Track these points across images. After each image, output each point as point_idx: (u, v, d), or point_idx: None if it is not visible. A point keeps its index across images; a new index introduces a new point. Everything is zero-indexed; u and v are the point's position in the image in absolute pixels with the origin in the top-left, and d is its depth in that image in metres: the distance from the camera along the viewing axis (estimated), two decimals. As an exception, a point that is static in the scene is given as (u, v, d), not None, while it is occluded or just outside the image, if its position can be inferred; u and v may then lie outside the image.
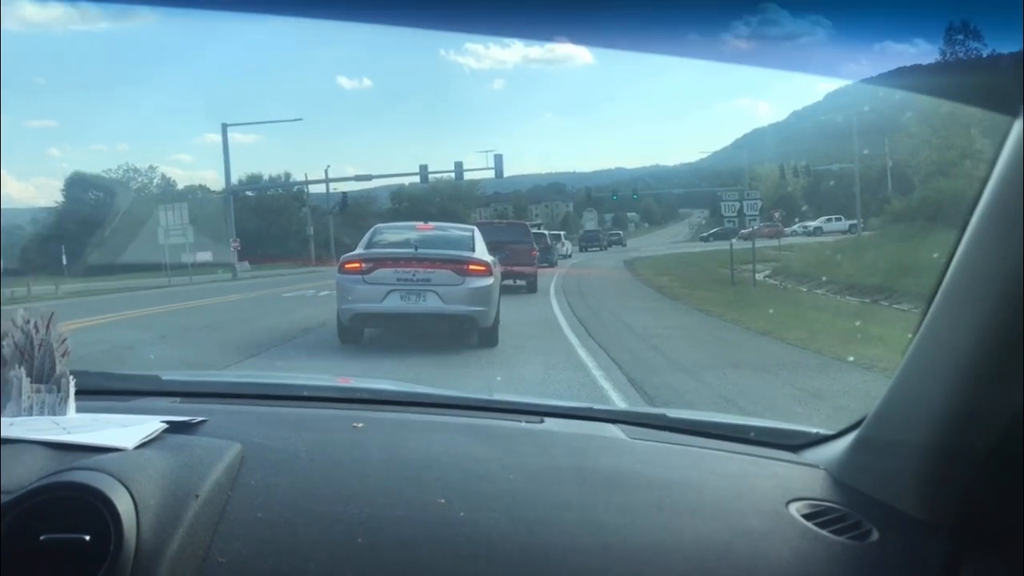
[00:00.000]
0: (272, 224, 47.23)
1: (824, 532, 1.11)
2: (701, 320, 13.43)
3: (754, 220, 22.52)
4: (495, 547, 1.04)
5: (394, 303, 9.37)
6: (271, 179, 59.10)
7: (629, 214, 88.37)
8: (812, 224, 48.04)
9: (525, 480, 1.20)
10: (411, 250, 9.75)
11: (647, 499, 1.16)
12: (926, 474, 1.08)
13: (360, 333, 9.96)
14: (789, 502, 1.18)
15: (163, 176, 62.73)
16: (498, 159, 41.70)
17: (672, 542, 1.07)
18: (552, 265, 30.06)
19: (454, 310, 9.39)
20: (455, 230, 11.52)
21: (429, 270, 9.43)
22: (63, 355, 1.30)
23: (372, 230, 10.96)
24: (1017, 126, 0.89)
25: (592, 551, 1.05)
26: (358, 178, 49.84)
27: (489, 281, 9.64)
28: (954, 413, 1.01)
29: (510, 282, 17.46)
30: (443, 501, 1.12)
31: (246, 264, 37.16)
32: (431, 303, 9.38)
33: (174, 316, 15.20)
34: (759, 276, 22.11)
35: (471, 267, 9.62)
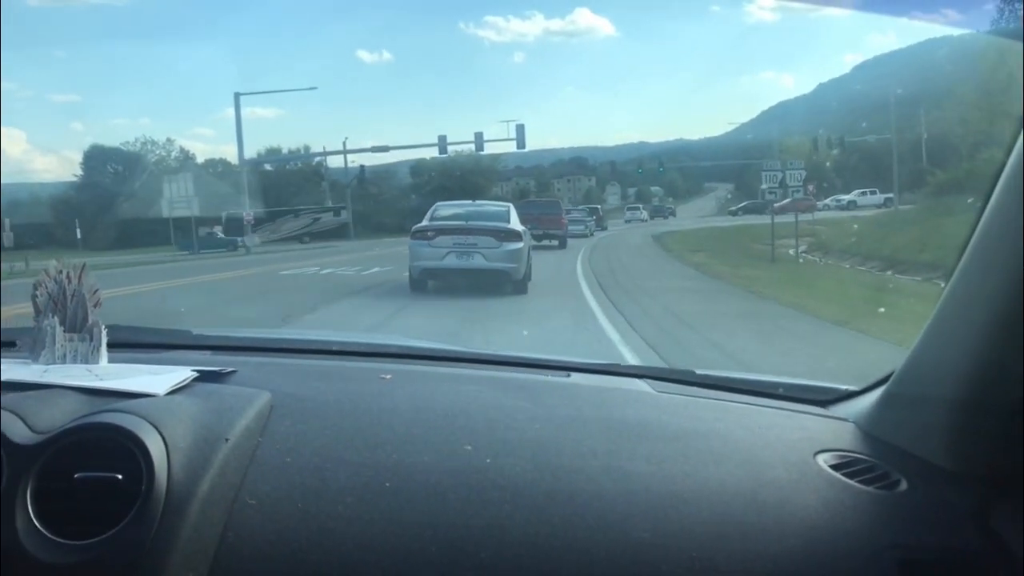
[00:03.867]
0: (292, 198, 47.34)
1: (852, 482, 1.14)
2: (755, 305, 11.71)
3: (797, 191, 21.74)
4: (520, 492, 1.07)
5: (451, 261, 12.84)
6: (290, 152, 59.30)
7: (653, 188, 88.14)
8: (845, 198, 46.75)
9: (551, 429, 1.23)
10: (463, 222, 13.27)
11: (673, 449, 1.19)
12: (955, 427, 1.10)
13: (425, 284, 13.20)
14: (816, 453, 1.20)
15: (181, 149, 62.73)
16: (520, 129, 40.74)
17: (697, 490, 1.10)
18: (604, 229, 41.66)
19: (494, 266, 12.72)
20: (494, 207, 15.20)
21: (476, 236, 12.82)
22: (95, 305, 1.34)
23: (434, 207, 14.62)
24: None
25: (617, 497, 1.07)
26: (375, 149, 49.20)
27: (520, 245, 13.01)
28: (982, 367, 1.02)
29: (547, 242, 24.24)
30: (469, 448, 1.15)
31: (255, 238, 36.59)
32: (477, 261, 12.76)
33: (139, 299, 13.70)
34: (792, 251, 21.47)
35: (507, 235, 12.98)
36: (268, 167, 56.09)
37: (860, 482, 1.14)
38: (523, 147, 41.92)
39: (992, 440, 1.07)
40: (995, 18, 0.94)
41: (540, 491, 1.08)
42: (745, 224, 34.71)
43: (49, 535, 0.96)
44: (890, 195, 40.46)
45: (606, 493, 1.08)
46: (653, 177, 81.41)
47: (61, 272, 1.32)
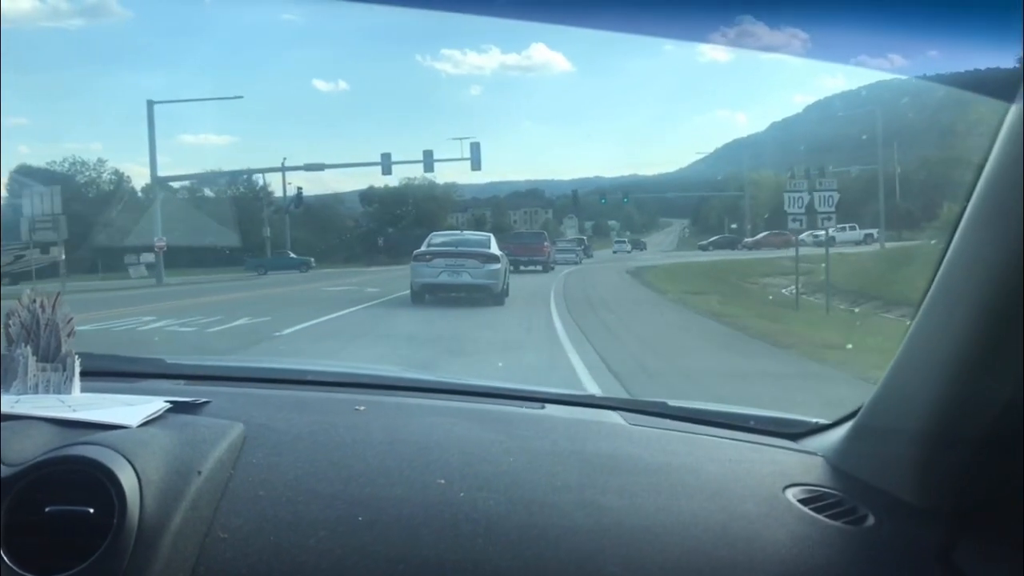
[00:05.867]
0: (235, 224, 46.50)
1: (820, 516, 1.22)
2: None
3: (829, 218, 18.27)
4: (494, 526, 1.14)
5: (444, 278, 17.29)
6: (232, 175, 58.49)
7: (610, 222, 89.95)
8: (823, 233, 46.61)
9: (525, 462, 1.30)
10: (453, 247, 18.02)
11: (645, 482, 1.26)
12: (921, 461, 1.19)
13: (424, 297, 17.43)
14: (786, 487, 1.28)
15: (116, 171, 61.38)
16: (475, 148, 37.60)
17: (669, 524, 1.17)
18: (589, 257, 47.15)
19: (478, 282, 17.17)
20: (478, 236, 20.49)
21: (464, 259, 17.33)
22: (69, 335, 1.41)
23: (430, 235, 19.67)
24: (1013, 113, 0.96)
25: (590, 532, 1.14)
26: (309, 167, 45.13)
27: (498, 266, 17.64)
28: (948, 401, 1.10)
29: (533, 267, 30.22)
30: (443, 481, 1.22)
31: (142, 268, 34.75)
32: (464, 278, 17.21)
33: None
34: (787, 291, 19.39)
35: (488, 258, 17.61)
36: (209, 192, 55.47)
37: (828, 517, 1.22)
38: (479, 168, 38.04)
39: (957, 475, 1.16)
40: (940, 63, 1.03)
41: (513, 525, 1.15)
42: (722, 259, 33.89)
43: (18, 570, 1.00)
44: (870, 231, 40.64)
45: (579, 527, 1.15)
46: (610, 211, 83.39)
47: (35, 301, 1.38)
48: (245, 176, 57.53)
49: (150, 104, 35.83)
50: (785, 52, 1.00)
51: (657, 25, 1.02)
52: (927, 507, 1.19)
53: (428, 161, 38.86)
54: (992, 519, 1.15)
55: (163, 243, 32.69)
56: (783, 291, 19.60)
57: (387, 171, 40.39)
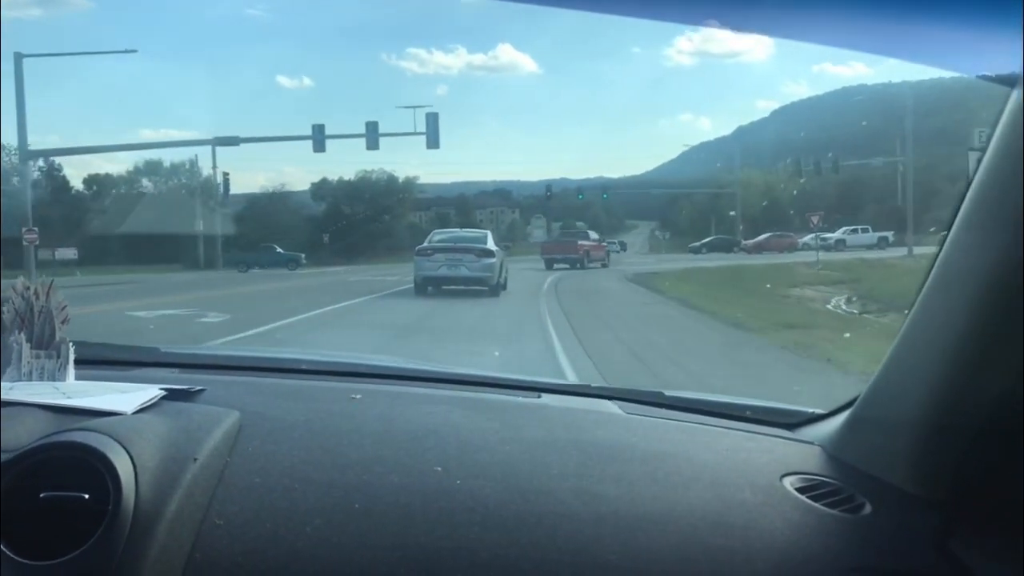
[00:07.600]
0: (167, 220, 45.61)
1: (817, 505, 1.31)
2: None
3: None
4: (490, 514, 1.23)
5: (444, 271, 20.70)
6: (172, 166, 57.70)
7: (578, 223, 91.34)
8: (833, 236, 44.05)
9: (521, 451, 1.40)
10: (452, 243, 21.80)
11: (642, 471, 1.36)
12: (918, 450, 1.28)
13: (426, 289, 20.78)
14: (783, 476, 1.38)
15: (45, 158, 59.89)
16: (431, 120, 33.74)
17: (666, 512, 1.26)
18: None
19: (474, 275, 20.48)
20: (475, 233, 24.21)
21: (462, 254, 20.78)
22: (63, 322, 1.50)
23: (431, 233, 24.06)
24: (1013, 101, 1.03)
25: (586, 520, 1.23)
26: (221, 141, 39.90)
27: (493, 260, 20.89)
28: (945, 391, 1.20)
29: (566, 266, 35.50)
30: (439, 469, 1.31)
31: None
32: (462, 271, 20.54)
33: None
34: (831, 306, 17.02)
35: (484, 253, 20.96)
36: (147, 183, 54.73)
37: (825, 505, 1.32)
38: (436, 144, 34.24)
39: (953, 464, 1.25)
40: (901, 69, 1.10)
41: (509, 513, 1.24)
42: (729, 265, 32.27)
43: (13, 556, 1.07)
44: (884, 234, 39.42)
45: (575, 515, 1.24)
46: (577, 212, 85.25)
47: (28, 289, 1.47)
48: (187, 167, 56.70)
49: (17, 57, 32.32)
50: (776, 36, 1.04)
51: (635, 8, 1.07)
52: (924, 496, 1.28)
53: (372, 135, 33.98)
54: (988, 507, 1.24)
55: (34, 235, 29.38)
56: (828, 306, 17.09)
57: (319, 147, 36.30)
